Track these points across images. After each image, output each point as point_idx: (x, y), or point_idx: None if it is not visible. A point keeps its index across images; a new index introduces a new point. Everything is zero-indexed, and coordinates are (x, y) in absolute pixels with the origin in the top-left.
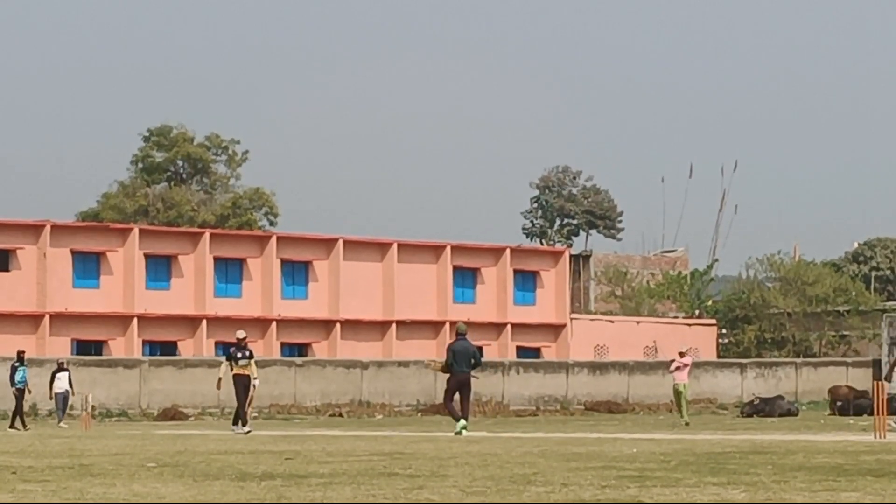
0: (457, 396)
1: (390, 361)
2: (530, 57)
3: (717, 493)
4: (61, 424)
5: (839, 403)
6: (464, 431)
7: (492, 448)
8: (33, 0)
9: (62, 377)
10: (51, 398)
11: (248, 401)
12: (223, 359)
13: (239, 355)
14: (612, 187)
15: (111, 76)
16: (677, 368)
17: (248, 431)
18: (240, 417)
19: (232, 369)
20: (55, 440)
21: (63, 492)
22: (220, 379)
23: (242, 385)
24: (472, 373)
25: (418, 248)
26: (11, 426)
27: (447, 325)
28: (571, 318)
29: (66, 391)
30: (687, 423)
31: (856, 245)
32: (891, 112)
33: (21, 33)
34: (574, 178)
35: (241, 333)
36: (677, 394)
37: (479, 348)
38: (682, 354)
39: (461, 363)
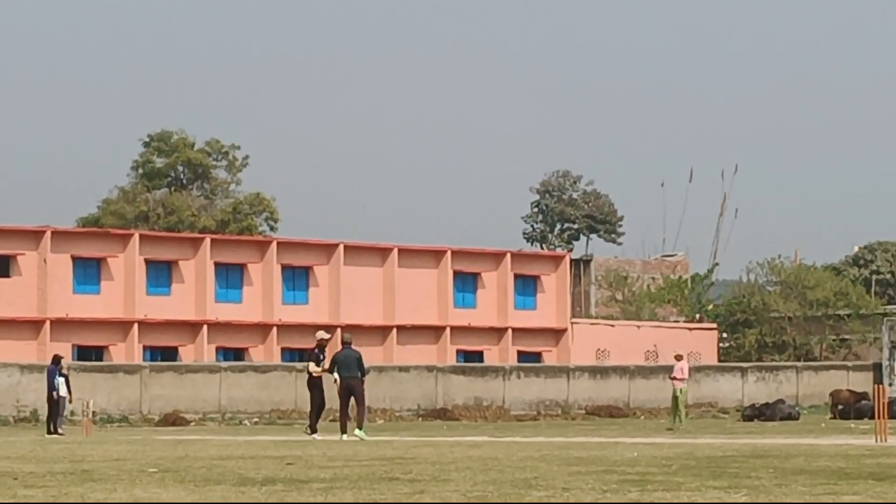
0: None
1: (391, 366)
2: (531, 62)
3: (719, 496)
4: (59, 430)
5: (840, 407)
6: (353, 437)
7: (493, 452)
8: (34, 6)
9: (59, 382)
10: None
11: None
12: (302, 363)
13: (322, 357)
14: (612, 192)
15: (112, 82)
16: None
17: (313, 433)
18: (313, 423)
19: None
20: (56, 446)
21: (64, 497)
22: (334, 380)
23: (318, 388)
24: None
25: (419, 253)
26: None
27: (448, 330)
28: (572, 323)
29: (62, 397)
30: (669, 429)
31: (856, 249)
32: (891, 116)
33: (23, 39)
34: (574, 182)
35: (323, 335)
36: (675, 397)
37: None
38: (678, 358)
39: (343, 370)
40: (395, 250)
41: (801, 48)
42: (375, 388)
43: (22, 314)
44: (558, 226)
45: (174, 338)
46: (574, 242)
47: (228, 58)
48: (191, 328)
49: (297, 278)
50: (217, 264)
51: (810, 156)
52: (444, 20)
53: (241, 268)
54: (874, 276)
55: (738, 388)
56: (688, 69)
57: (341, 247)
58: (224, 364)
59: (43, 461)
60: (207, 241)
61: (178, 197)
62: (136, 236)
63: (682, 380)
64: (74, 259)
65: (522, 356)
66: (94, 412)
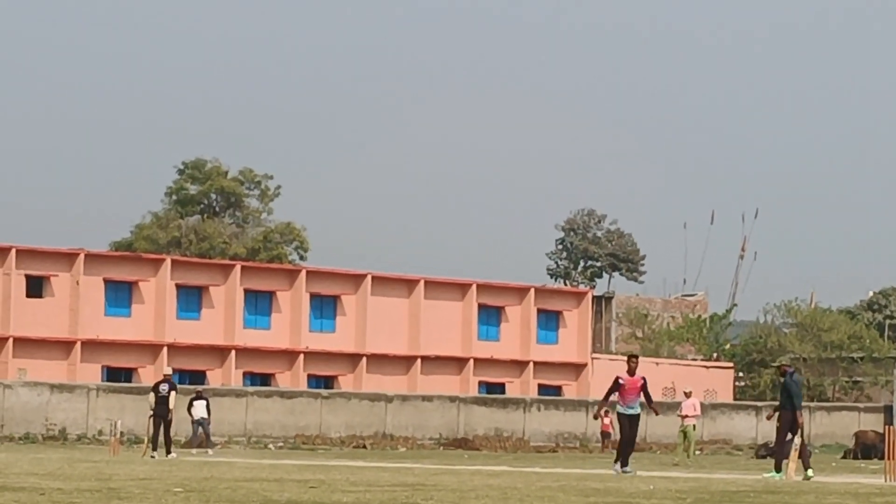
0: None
1: (414, 395)
2: (558, 102)
3: None
4: (209, 451)
5: (862, 444)
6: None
7: (512, 482)
8: (69, 31)
9: (199, 405)
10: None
11: None
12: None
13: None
14: (635, 231)
15: (147, 110)
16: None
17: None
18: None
19: None
20: (84, 464)
21: None
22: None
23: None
24: None
25: (444, 286)
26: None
27: (471, 362)
28: (592, 358)
29: (203, 418)
30: (675, 464)
31: (871, 294)
32: None
33: (61, 65)
34: (599, 221)
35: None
36: (683, 433)
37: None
38: (688, 395)
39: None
40: (422, 282)
41: (822, 96)
42: (399, 416)
43: (53, 334)
44: (582, 263)
45: (202, 362)
46: (596, 280)
47: (264, 89)
48: (219, 353)
49: (324, 307)
50: (247, 291)
51: (828, 202)
52: (472, 58)
53: (269, 295)
54: (888, 321)
55: (753, 426)
56: (712, 116)
57: (369, 277)
58: (251, 389)
59: (70, 479)
60: (238, 268)
61: (211, 224)
62: (168, 261)
63: (694, 416)
64: (107, 282)
65: (543, 389)
66: (121, 432)
